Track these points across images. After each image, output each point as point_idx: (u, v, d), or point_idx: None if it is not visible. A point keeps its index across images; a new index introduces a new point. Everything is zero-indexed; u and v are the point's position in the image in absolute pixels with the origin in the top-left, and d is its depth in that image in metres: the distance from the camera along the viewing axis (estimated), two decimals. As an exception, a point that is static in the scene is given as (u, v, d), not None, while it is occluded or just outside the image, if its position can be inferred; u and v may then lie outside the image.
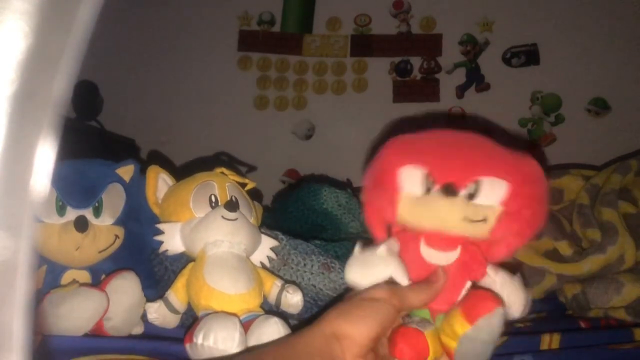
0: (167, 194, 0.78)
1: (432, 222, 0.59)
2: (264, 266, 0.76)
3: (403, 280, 0.56)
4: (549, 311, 1.04)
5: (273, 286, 0.73)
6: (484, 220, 0.57)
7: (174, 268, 0.78)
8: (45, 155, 0.17)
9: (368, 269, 0.58)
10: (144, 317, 0.70)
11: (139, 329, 0.70)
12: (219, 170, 0.80)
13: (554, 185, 1.14)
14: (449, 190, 0.57)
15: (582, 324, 0.92)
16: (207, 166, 0.82)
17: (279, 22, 1.95)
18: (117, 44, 1.91)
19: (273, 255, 0.77)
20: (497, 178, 0.58)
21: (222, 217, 0.70)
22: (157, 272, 0.80)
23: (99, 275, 0.72)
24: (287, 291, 0.73)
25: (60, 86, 0.17)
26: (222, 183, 0.76)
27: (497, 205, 0.57)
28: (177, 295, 0.69)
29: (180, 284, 0.69)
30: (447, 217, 0.58)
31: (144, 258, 0.80)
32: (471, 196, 0.57)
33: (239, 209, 0.71)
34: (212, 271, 0.66)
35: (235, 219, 0.70)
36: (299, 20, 1.95)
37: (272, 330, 0.60)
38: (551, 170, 1.19)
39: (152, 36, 1.94)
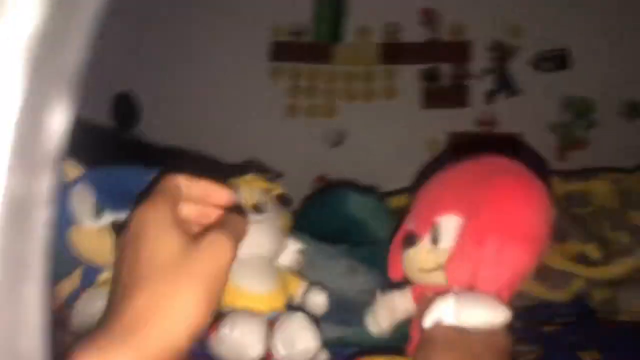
0: None
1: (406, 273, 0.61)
2: (290, 269, 0.78)
3: None
4: (577, 315, 1.03)
5: (298, 288, 0.76)
6: (439, 268, 0.55)
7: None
8: (61, 113, 0.19)
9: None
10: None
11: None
12: (248, 176, 0.82)
13: (582, 189, 1.13)
14: (408, 242, 0.58)
15: (611, 328, 0.91)
16: (238, 173, 0.84)
17: (310, 32, 1.99)
18: (152, 57, 1.98)
19: (300, 257, 0.79)
20: (449, 214, 0.55)
21: None
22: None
23: (133, 277, 0.75)
24: (312, 292, 0.75)
25: (74, 56, 0.19)
26: (249, 188, 0.79)
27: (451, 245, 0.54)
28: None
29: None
30: (407, 268, 0.60)
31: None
32: (435, 241, 0.55)
33: (264, 212, 0.74)
34: (237, 271, 0.68)
35: (260, 222, 0.73)
36: (329, 29, 1.98)
37: (298, 322, 0.62)
38: (580, 173, 1.18)
39: (186, 48, 2.01)
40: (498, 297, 0.53)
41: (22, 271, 0.20)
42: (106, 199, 0.72)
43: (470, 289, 0.54)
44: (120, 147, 1.66)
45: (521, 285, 0.55)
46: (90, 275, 0.73)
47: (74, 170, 0.73)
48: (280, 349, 0.62)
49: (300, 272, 0.83)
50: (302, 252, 0.81)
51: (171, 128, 1.96)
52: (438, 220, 0.56)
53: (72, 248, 0.72)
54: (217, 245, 0.39)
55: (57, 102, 0.19)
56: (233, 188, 0.78)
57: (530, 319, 1.03)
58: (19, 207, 0.19)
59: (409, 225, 0.61)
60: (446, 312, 0.50)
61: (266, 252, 0.73)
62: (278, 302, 0.70)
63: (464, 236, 0.54)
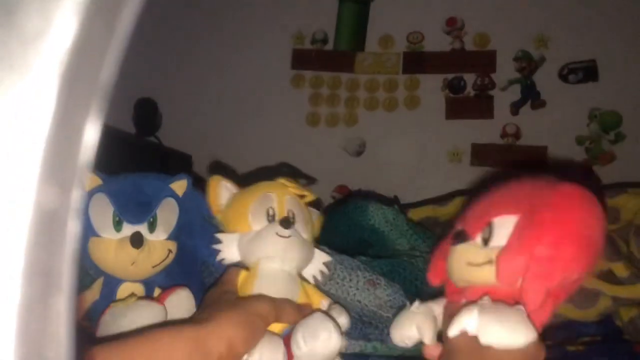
0: (230, 202, 0.77)
1: (450, 271, 0.59)
2: (316, 281, 0.76)
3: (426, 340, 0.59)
4: (603, 335, 1.00)
5: (320, 305, 0.73)
6: (489, 262, 0.54)
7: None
8: (93, 127, 0.19)
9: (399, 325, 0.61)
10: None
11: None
12: (280, 180, 0.79)
13: (610, 204, 1.10)
14: (458, 237, 0.57)
15: (638, 349, 0.88)
16: (269, 175, 0.81)
17: (332, 40, 1.99)
18: (174, 64, 2.00)
19: (326, 270, 0.76)
20: (507, 215, 0.54)
21: (277, 233, 0.70)
22: (206, 283, 0.83)
23: (152, 288, 0.74)
24: (335, 313, 0.72)
25: (107, 71, 0.19)
26: (281, 196, 0.75)
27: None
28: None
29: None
30: (453, 264, 0.58)
31: (195, 271, 0.82)
32: (486, 241, 0.55)
33: (293, 225, 0.71)
34: (261, 286, 0.67)
35: (289, 236, 0.70)
36: (351, 38, 1.98)
37: (320, 317, 0.61)
38: (608, 189, 1.15)
39: (209, 55, 2.02)
40: (542, 306, 0.51)
41: (52, 283, 0.20)
42: (125, 210, 0.71)
43: (513, 294, 0.52)
44: (139, 153, 1.67)
45: (566, 297, 0.53)
46: (110, 286, 0.72)
47: (91, 179, 0.71)
48: (301, 343, 0.61)
49: (320, 283, 0.81)
50: (327, 264, 0.79)
51: (191, 134, 1.98)
52: (493, 220, 0.55)
53: (91, 259, 0.71)
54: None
55: (89, 116, 0.19)
56: (265, 194, 0.76)
57: (554, 338, 1.00)
58: (50, 219, 0.19)
59: (459, 226, 0.60)
60: (470, 324, 0.50)
61: (293, 267, 0.71)
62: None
63: (521, 229, 0.52)
